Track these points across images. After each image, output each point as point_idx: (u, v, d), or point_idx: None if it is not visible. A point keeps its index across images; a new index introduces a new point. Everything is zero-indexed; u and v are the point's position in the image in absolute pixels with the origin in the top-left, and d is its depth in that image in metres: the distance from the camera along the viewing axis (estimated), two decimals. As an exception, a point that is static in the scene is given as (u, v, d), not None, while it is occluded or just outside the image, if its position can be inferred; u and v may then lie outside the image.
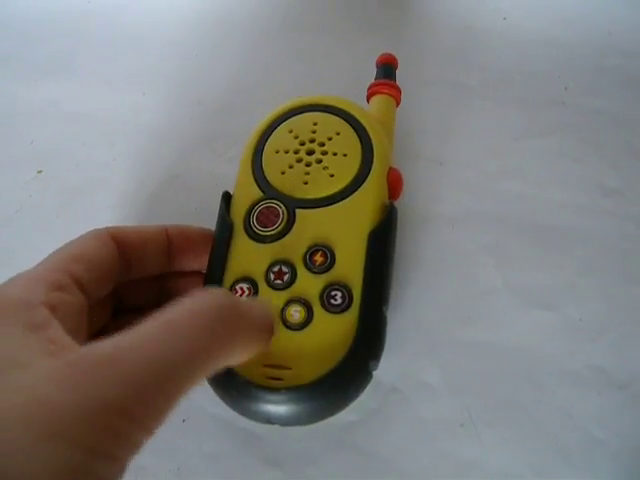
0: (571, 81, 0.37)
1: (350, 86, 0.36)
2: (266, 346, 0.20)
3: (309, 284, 0.24)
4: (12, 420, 0.13)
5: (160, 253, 0.25)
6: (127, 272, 0.24)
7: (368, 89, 0.31)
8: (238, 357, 0.19)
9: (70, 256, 0.22)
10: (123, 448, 0.14)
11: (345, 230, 0.25)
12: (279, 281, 0.24)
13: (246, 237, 0.25)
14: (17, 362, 0.15)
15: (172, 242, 0.26)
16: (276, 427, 0.23)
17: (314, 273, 0.24)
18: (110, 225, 0.25)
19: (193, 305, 0.17)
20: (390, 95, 0.31)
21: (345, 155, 0.27)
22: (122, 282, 0.24)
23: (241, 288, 0.24)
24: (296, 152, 0.27)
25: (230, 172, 0.28)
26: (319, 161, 0.27)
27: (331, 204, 0.26)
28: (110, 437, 0.14)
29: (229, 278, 0.24)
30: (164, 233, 0.26)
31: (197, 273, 0.27)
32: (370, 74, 0.33)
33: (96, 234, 0.23)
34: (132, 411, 0.14)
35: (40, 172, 0.35)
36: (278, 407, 0.22)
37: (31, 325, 0.17)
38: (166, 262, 0.26)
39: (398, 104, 0.31)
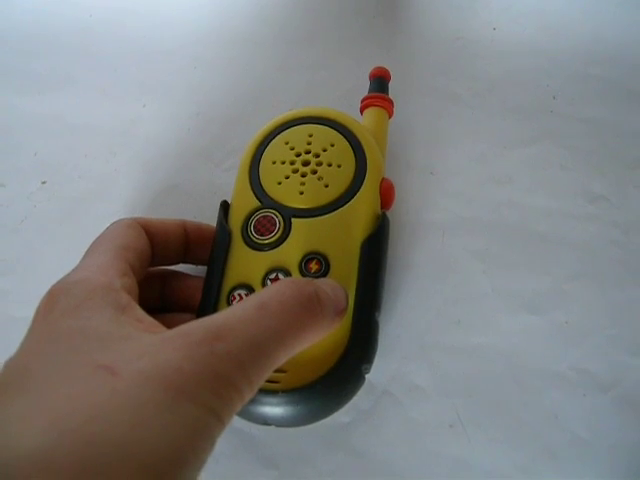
0: (559, 90, 0.38)
1: (344, 96, 0.37)
2: (338, 326, 0.22)
3: None
4: (150, 382, 0.15)
5: (179, 244, 0.27)
6: (152, 260, 0.26)
7: (361, 102, 0.32)
8: (316, 337, 0.21)
9: (122, 245, 0.23)
10: (229, 411, 0.17)
11: (339, 239, 0.26)
12: (275, 288, 0.25)
13: (244, 245, 0.26)
14: (121, 336, 0.17)
15: (188, 235, 0.27)
16: (272, 428, 0.24)
17: None
18: None
19: (281, 291, 0.20)
20: (383, 108, 0.32)
21: (339, 166, 0.28)
22: None
23: (239, 295, 0.25)
24: (292, 163, 0.28)
25: (228, 182, 0.29)
26: (314, 172, 0.28)
27: (326, 214, 0.26)
28: (221, 401, 0.16)
29: (227, 284, 0.25)
30: (183, 226, 0.27)
31: (197, 277, 0.28)
32: (363, 84, 0.33)
33: (129, 223, 0.25)
34: (236, 382, 0.17)
35: (44, 183, 0.36)
36: (275, 409, 0.23)
37: (119, 306, 0.19)
38: (182, 253, 0.27)
39: (391, 116, 0.32)
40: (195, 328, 0.17)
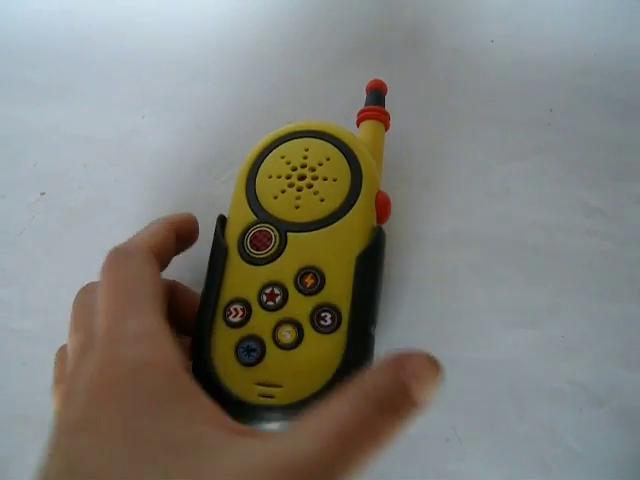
0: (556, 103, 0.38)
1: (343, 108, 0.37)
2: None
3: (300, 305, 0.25)
4: None
5: (171, 251, 0.27)
6: None
7: (358, 115, 0.32)
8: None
9: (154, 294, 0.22)
10: None
11: (334, 253, 0.26)
12: (271, 302, 0.25)
13: (240, 260, 0.26)
14: (195, 440, 0.17)
15: (178, 235, 0.27)
16: (268, 442, 0.24)
17: (305, 295, 0.25)
18: (111, 245, 0.25)
19: (357, 403, 0.18)
20: (379, 121, 0.32)
21: (335, 180, 0.28)
22: None
23: (235, 309, 0.25)
24: (288, 177, 0.28)
25: (226, 194, 0.29)
26: (310, 186, 0.28)
27: (321, 228, 0.26)
28: None
29: (224, 299, 0.25)
30: (173, 234, 0.27)
31: (194, 293, 0.28)
32: (361, 96, 0.34)
33: (146, 257, 0.24)
34: None
35: (43, 194, 0.36)
36: (270, 424, 0.23)
37: (184, 395, 0.19)
38: (173, 252, 0.27)
39: (387, 129, 0.32)
40: (274, 469, 0.16)
